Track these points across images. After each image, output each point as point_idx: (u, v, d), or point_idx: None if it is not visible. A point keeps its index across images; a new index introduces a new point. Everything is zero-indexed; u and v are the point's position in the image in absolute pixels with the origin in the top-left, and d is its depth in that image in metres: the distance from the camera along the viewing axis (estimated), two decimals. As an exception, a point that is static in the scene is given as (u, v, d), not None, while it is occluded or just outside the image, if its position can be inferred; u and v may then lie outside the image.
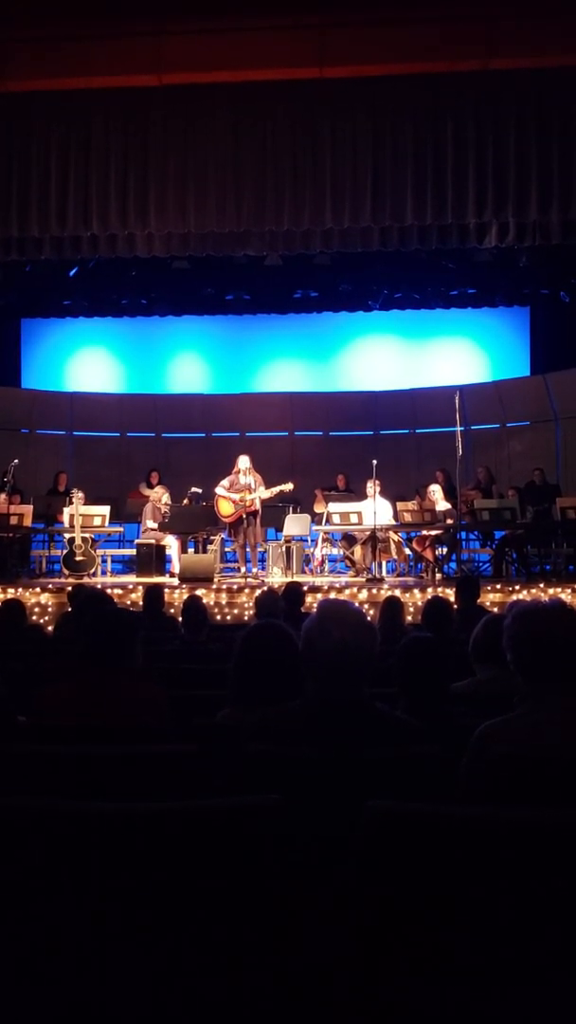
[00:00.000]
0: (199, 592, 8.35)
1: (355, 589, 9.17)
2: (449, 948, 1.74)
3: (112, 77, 9.28)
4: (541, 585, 9.25)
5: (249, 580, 10.10)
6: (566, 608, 2.50)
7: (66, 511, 10.97)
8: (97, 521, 10.89)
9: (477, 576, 9.86)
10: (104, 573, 11.54)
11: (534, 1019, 1.71)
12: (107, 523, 11.05)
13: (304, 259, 12.92)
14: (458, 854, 1.76)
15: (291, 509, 12.08)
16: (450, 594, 7.17)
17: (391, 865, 1.77)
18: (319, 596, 8.39)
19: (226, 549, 11.85)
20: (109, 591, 7.83)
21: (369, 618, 2.62)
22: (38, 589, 9.07)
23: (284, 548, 11.22)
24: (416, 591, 8.88)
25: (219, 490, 10.76)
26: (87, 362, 15.92)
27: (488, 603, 7.93)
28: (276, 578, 10.48)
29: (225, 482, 10.77)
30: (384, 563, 11.00)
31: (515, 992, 1.72)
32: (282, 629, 2.97)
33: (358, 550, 10.90)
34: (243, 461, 10.80)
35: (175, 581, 9.86)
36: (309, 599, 7.70)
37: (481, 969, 1.72)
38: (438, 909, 1.75)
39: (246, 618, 8.23)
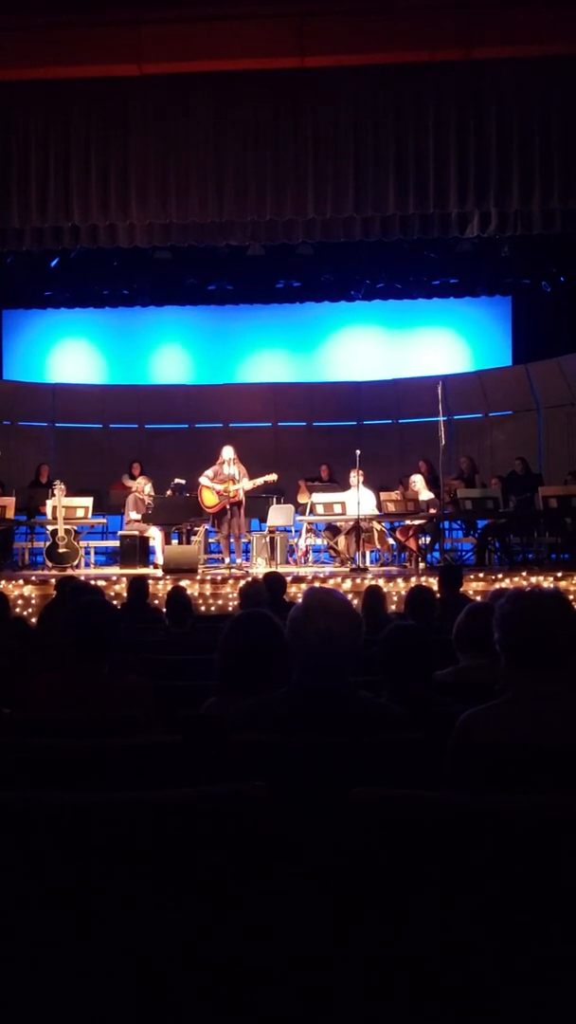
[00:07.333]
0: (183, 583, 8.35)
1: (339, 579, 9.18)
2: (436, 934, 1.76)
3: (92, 66, 9.23)
4: (523, 574, 9.29)
5: (233, 571, 10.10)
6: (563, 598, 2.50)
7: (48, 503, 10.92)
8: (80, 513, 10.85)
9: (460, 565, 9.89)
10: (88, 565, 11.49)
11: (527, 1007, 1.73)
12: (90, 515, 11.01)
13: (286, 249, 12.90)
14: (443, 840, 1.78)
15: (275, 500, 12.08)
16: (433, 583, 7.19)
17: (377, 852, 1.79)
18: (303, 586, 8.40)
19: (210, 540, 11.83)
20: (93, 583, 7.81)
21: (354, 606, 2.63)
22: (21, 581, 9.03)
23: (268, 539, 11.22)
24: (400, 580, 8.90)
25: (203, 480, 10.76)
26: (69, 353, 15.83)
27: (471, 592, 7.95)
28: (260, 568, 10.48)
29: (209, 472, 10.76)
30: (368, 553, 11.03)
31: (508, 978, 1.74)
32: (268, 618, 2.98)
33: (342, 540, 10.92)
34: (227, 452, 10.79)
35: (159, 572, 9.85)
36: (293, 589, 7.71)
37: (469, 953, 1.74)
38: (424, 895, 1.77)
39: (230, 609, 8.23)
